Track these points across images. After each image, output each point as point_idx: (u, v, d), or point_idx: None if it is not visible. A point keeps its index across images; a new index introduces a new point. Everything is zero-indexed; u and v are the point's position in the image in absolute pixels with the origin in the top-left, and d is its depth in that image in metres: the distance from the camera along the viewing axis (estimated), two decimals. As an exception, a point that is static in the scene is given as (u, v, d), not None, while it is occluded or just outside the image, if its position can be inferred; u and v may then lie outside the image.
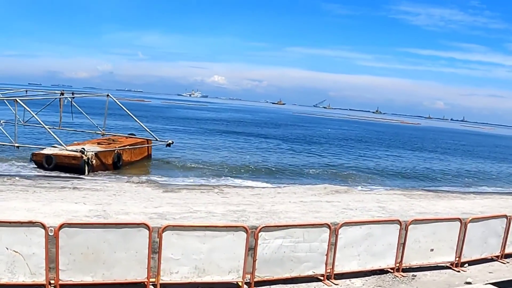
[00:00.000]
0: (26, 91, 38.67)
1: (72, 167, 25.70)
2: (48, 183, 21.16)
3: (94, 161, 26.32)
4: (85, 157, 25.71)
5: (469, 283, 11.48)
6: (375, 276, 11.55)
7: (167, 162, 32.94)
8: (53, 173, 25.20)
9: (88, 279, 9.49)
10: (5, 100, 34.78)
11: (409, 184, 32.85)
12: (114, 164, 28.18)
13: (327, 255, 10.87)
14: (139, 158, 31.98)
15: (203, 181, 27.22)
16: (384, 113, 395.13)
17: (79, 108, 36.21)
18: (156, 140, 33.94)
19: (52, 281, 9.40)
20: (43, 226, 9.13)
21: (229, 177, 29.45)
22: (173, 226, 10.17)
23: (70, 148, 27.27)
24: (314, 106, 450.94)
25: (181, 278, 9.97)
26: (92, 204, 15.27)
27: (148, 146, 33.68)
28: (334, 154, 49.29)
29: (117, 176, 26.03)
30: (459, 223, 12.58)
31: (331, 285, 10.85)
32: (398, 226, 11.70)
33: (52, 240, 9.24)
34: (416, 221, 12.21)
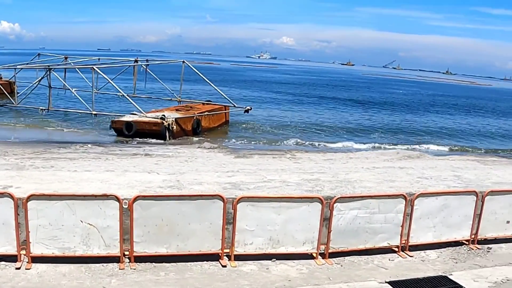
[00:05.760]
0: (99, 59, 39.45)
1: (153, 133, 26.20)
2: (120, 150, 21.36)
3: (174, 127, 26.64)
4: (165, 123, 26.13)
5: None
6: (449, 248, 11.24)
7: (244, 128, 33.09)
8: (122, 139, 25.92)
9: (162, 251, 9.49)
10: (76, 68, 35.73)
11: (483, 146, 32.50)
12: (194, 130, 28.48)
13: (402, 226, 10.65)
14: (217, 124, 32.20)
15: (275, 146, 27.07)
16: (454, 74, 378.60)
17: (154, 75, 36.82)
18: (234, 106, 34.08)
19: (126, 253, 9.44)
20: (117, 199, 9.09)
21: (300, 140, 29.35)
22: (248, 197, 9.94)
23: (149, 115, 27.69)
24: (383, 67, 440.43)
25: (255, 249, 9.88)
26: (165, 174, 15.16)
27: (225, 112, 33.84)
28: (405, 116, 48.33)
29: (188, 142, 26.18)
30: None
31: (405, 257, 10.67)
32: (475, 198, 11.24)
33: (126, 213, 9.20)
34: (493, 192, 11.64)
